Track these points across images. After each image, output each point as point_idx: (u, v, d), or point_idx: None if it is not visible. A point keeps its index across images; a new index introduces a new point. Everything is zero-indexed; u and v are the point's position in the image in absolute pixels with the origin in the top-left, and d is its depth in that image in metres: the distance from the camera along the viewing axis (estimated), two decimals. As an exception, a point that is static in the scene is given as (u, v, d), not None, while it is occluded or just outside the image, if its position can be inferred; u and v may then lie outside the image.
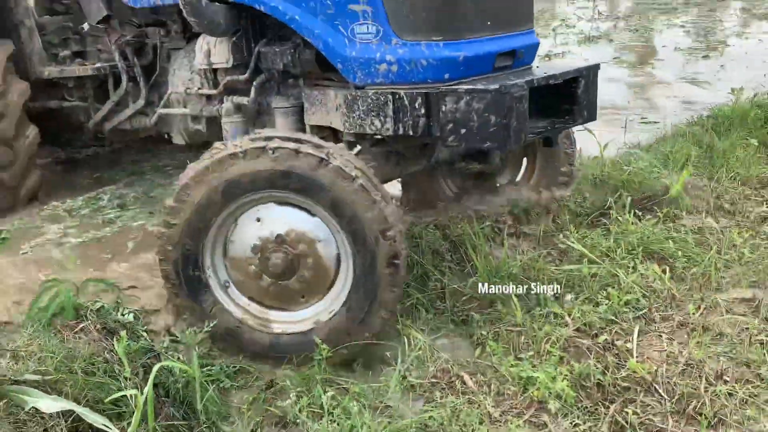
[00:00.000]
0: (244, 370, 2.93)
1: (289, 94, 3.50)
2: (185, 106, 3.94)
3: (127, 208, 4.51)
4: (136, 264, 3.59)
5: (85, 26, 4.22)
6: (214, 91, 3.68)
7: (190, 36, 3.92)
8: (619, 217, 3.85)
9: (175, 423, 2.58)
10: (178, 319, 3.02)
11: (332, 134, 3.41)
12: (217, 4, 3.27)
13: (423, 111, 2.86)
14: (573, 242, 3.62)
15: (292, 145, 2.67)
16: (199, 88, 3.77)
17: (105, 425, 2.34)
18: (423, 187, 4.13)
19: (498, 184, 4.17)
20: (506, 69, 3.13)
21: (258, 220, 2.81)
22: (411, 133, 2.90)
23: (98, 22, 4.11)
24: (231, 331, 2.89)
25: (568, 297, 3.30)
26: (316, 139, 2.77)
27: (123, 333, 2.78)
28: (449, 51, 2.87)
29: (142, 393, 2.40)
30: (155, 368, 2.51)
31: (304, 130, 3.42)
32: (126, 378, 2.58)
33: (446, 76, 2.88)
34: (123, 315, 3.05)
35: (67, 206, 4.50)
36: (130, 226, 4.21)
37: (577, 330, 3.04)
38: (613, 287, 3.28)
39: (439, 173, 4.13)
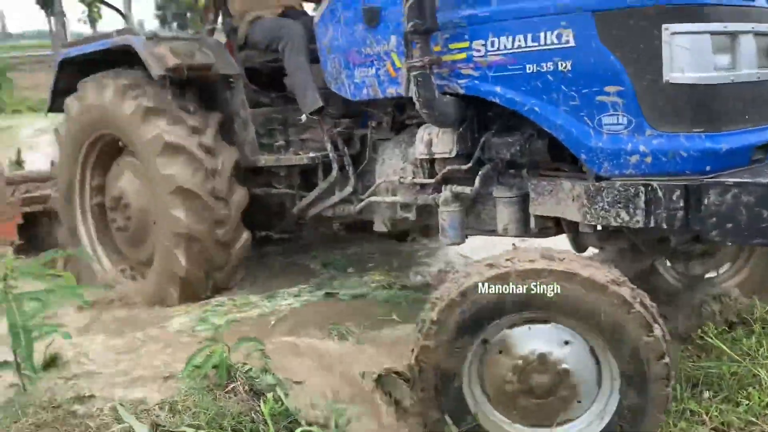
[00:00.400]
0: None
1: (511, 183, 3.52)
2: (394, 195, 4.06)
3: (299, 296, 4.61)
4: (280, 340, 3.70)
5: (303, 117, 4.48)
6: (430, 181, 3.77)
7: (399, 128, 4.11)
8: (764, 315, 3.72)
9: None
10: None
11: (555, 224, 3.42)
12: (448, 97, 3.39)
13: (681, 203, 2.74)
14: (712, 339, 3.52)
15: (627, 293, 2.61)
16: (413, 177, 3.89)
17: (250, 478, 2.50)
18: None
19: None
20: (758, 162, 3.01)
21: (566, 343, 2.69)
22: (665, 226, 2.79)
23: (311, 113, 4.37)
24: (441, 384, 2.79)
25: (706, 395, 3.15)
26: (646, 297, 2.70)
27: (269, 395, 2.97)
28: (711, 143, 2.77)
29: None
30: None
31: (527, 220, 3.44)
32: (269, 435, 2.73)
33: (707, 168, 2.77)
34: (270, 378, 3.18)
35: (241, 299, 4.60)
36: (279, 306, 4.36)
37: (714, 429, 2.93)
38: (754, 387, 3.10)
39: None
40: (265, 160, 4.60)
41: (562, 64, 3.01)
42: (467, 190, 3.58)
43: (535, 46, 3.08)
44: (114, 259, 5.17)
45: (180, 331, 4.07)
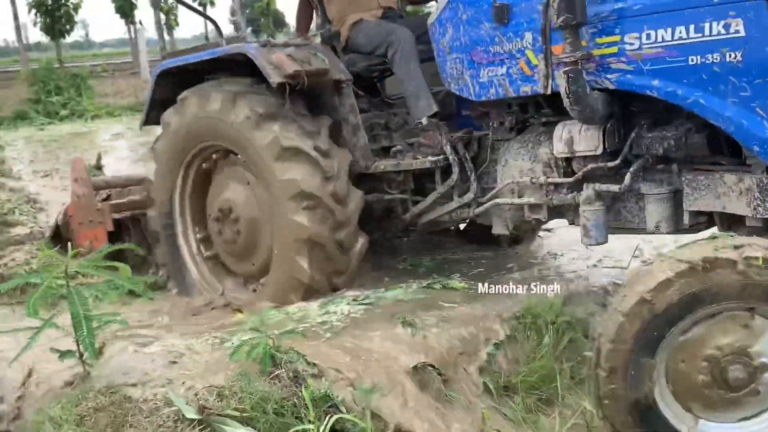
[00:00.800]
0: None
1: (661, 179, 3.47)
2: (521, 196, 3.99)
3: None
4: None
5: (424, 121, 4.40)
6: (569, 180, 3.71)
7: (520, 128, 4.09)
8: None
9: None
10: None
11: (709, 220, 3.41)
12: (596, 92, 3.34)
13: None
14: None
15: None
16: (546, 177, 3.81)
17: (288, 457, 2.64)
18: None
19: None
20: None
21: None
22: None
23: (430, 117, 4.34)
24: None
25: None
26: None
27: (311, 381, 3.10)
28: None
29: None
30: (333, 418, 2.92)
31: (678, 216, 3.42)
32: (310, 421, 2.91)
33: None
34: (311, 367, 3.31)
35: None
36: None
37: None
38: None
39: None
40: (384, 165, 4.53)
41: (730, 55, 2.95)
42: (614, 187, 3.51)
43: (699, 37, 3.03)
44: (220, 274, 5.09)
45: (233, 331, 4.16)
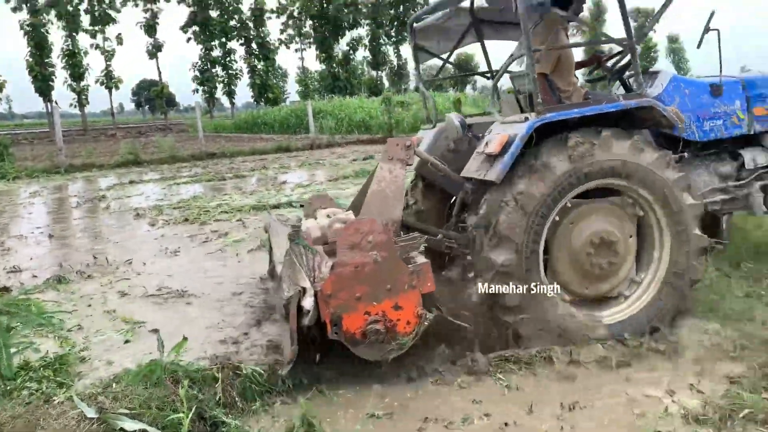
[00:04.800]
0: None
1: None
2: (704, 198, 4.75)
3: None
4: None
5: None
6: (744, 181, 4.91)
7: (698, 154, 5.04)
8: None
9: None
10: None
11: None
12: None
13: None
14: None
15: None
16: (728, 182, 4.93)
17: (165, 439, 2.74)
18: None
19: None
20: None
21: None
22: None
23: None
24: None
25: None
26: None
27: (185, 382, 3.26)
28: None
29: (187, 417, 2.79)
30: (194, 409, 3.03)
31: None
32: (183, 412, 2.97)
33: None
34: (186, 369, 3.44)
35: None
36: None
37: None
38: None
39: None
40: None
41: None
42: None
43: None
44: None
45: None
